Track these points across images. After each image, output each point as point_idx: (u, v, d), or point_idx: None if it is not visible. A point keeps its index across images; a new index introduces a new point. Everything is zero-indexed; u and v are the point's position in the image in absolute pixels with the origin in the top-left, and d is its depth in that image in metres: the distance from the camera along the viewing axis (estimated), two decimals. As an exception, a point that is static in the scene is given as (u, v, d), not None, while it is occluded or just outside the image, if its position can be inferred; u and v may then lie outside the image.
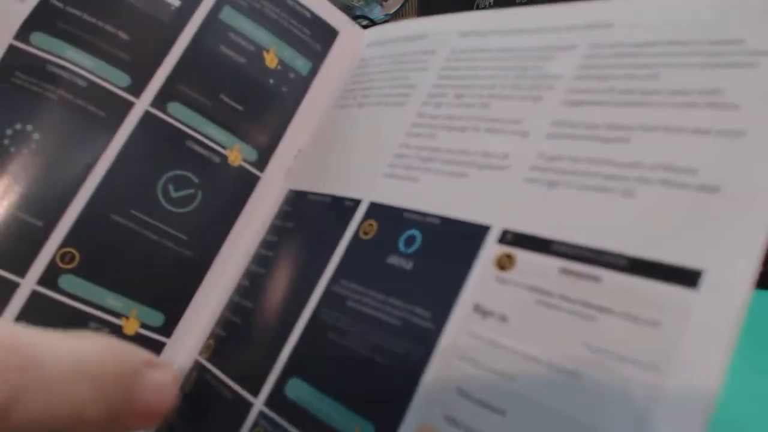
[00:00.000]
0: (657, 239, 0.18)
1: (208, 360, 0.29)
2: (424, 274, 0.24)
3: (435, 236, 0.24)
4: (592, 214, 0.20)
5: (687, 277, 0.17)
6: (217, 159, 0.31)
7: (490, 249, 0.22)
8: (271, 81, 0.33)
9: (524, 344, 0.19)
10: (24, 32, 0.28)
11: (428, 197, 0.25)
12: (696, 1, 0.22)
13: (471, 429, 0.19)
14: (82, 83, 0.29)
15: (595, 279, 0.19)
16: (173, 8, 0.31)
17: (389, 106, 0.30)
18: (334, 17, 0.35)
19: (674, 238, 0.18)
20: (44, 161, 0.28)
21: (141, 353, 0.16)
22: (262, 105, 0.33)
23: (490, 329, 0.20)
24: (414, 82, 0.30)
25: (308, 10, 0.34)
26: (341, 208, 0.29)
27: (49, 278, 0.27)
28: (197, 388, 0.29)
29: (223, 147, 0.31)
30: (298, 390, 0.25)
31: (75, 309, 0.28)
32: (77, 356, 0.14)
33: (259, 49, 0.33)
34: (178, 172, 0.31)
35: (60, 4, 0.29)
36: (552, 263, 0.20)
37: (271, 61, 0.33)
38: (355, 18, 0.59)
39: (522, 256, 0.21)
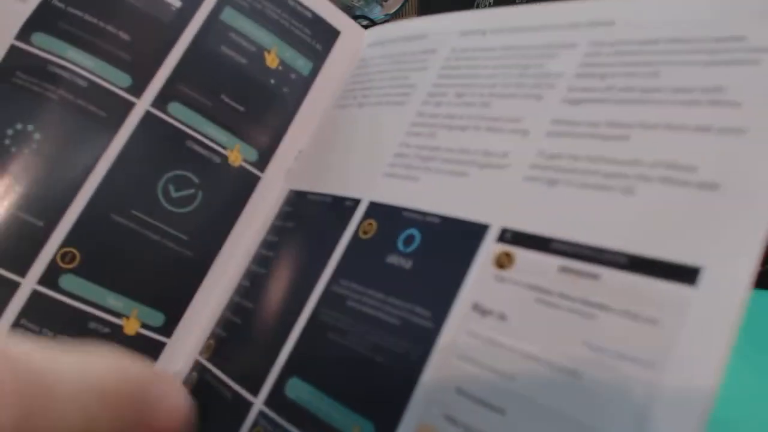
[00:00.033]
0: (657, 237, 0.18)
1: (209, 360, 0.29)
2: (424, 273, 0.24)
3: (434, 235, 0.24)
4: (592, 212, 0.20)
5: (686, 275, 0.17)
6: (217, 159, 0.31)
7: (489, 248, 0.22)
8: (272, 81, 0.33)
9: (523, 343, 0.19)
10: (25, 32, 0.29)
11: (428, 196, 0.25)
12: None
13: (470, 428, 0.19)
14: (82, 83, 0.29)
15: (595, 277, 0.19)
16: (174, 9, 0.31)
17: (389, 105, 0.30)
18: (335, 18, 0.35)
19: (674, 236, 0.18)
20: (45, 161, 0.28)
21: (152, 368, 0.16)
22: (263, 105, 0.33)
23: (490, 328, 0.20)
24: (414, 81, 0.30)
25: (309, 10, 0.34)
26: (341, 207, 0.29)
27: (49, 278, 0.28)
28: (197, 388, 0.29)
29: (224, 147, 0.32)
30: (298, 390, 0.25)
31: (75, 309, 0.28)
32: (88, 373, 0.14)
33: (260, 50, 0.33)
34: (179, 172, 0.31)
35: (61, 5, 0.29)
36: (551, 261, 0.20)
37: (272, 61, 0.33)
38: (355, 18, 0.59)
39: (521, 254, 0.21)
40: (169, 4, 0.31)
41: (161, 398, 0.16)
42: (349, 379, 0.24)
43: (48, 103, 0.28)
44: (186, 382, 0.30)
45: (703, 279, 0.17)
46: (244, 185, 0.32)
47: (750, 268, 0.16)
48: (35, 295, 0.27)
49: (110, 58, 0.29)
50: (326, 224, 0.29)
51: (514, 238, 0.21)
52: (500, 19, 0.28)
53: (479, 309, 0.21)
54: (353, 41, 0.35)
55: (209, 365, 0.29)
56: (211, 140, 0.31)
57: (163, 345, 0.30)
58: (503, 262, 0.21)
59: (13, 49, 0.28)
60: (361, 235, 0.27)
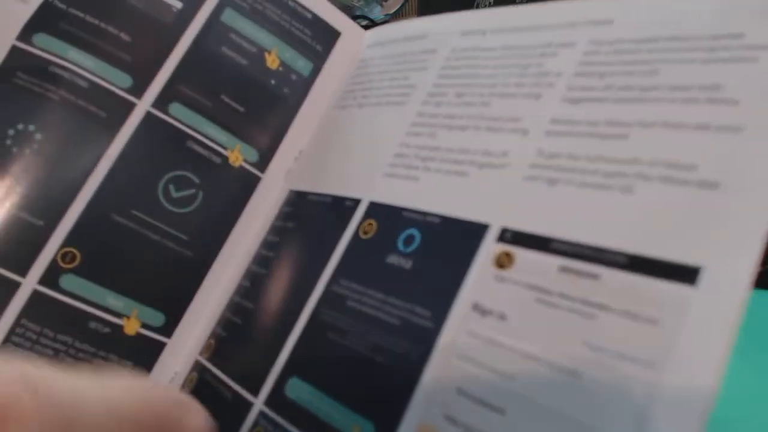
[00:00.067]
0: (656, 236, 0.18)
1: (209, 360, 0.29)
2: (423, 273, 0.23)
3: (434, 235, 0.24)
4: (592, 211, 0.20)
5: (686, 275, 0.17)
6: (218, 159, 0.31)
7: (489, 247, 0.22)
8: (273, 82, 0.33)
9: (523, 343, 0.19)
10: (26, 33, 0.29)
11: (428, 196, 0.25)
12: None
13: (470, 428, 0.19)
14: (83, 84, 0.29)
15: (595, 277, 0.19)
16: (175, 10, 0.31)
17: (390, 105, 0.30)
18: (336, 18, 0.35)
19: (673, 235, 0.18)
20: (46, 161, 0.28)
21: (174, 392, 0.16)
22: (264, 106, 0.33)
23: (490, 328, 0.20)
24: (414, 81, 0.30)
25: (310, 11, 0.34)
26: (341, 207, 0.29)
27: (50, 278, 0.28)
28: (197, 388, 0.29)
29: (224, 148, 0.32)
30: (298, 389, 0.25)
31: (76, 309, 0.28)
32: (109, 397, 0.14)
33: (261, 51, 0.33)
34: (179, 172, 0.31)
35: (62, 6, 0.29)
36: (551, 261, 0.20)
37: (272, 62, 0.33)
38: (354, 18, 0.59)
39: (521, 254, 0.21)
40: (169, 5, 0.31)
41: (183, 421, 0.15)
42: (349, 379, 0.24)
43: (49, 104, 0.28)
44: (186, 382, 0.30)
45: (703, 279, 0.17)
46: (244, 185, 0.32)
47: (750, 267, 0.16)
48: (36, 295, 0.27)
49: (111, 59, 0.30)
50: (326, 224, 0.29)
51: (514, 237, 0.21)
52: (500, 19, 0.28)
53: (479, 309, 0.21)
54: (353, 42, 0.35)
55: (209, 365, 0.29)
56: (212, 141, 0.31)
57: (163, 345, 0.30)
58: (503, 261, 0.21)
59: (14, 49, 0.28)
60: (362, 235, 0.27)
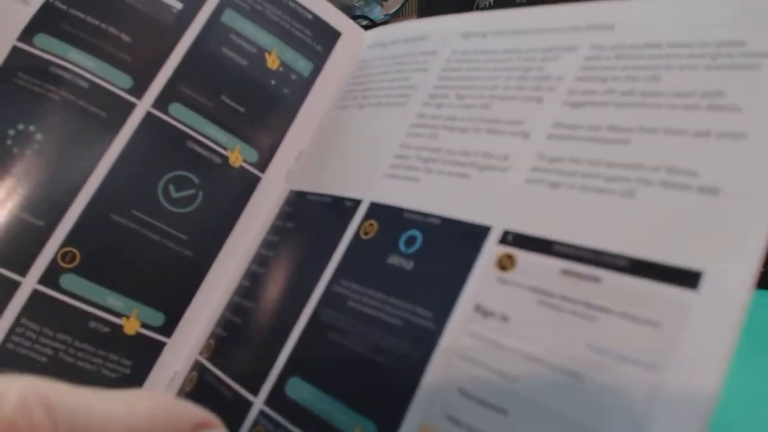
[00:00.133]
0: (657, 240, 0.18)
1: (209, 360, 0.29)
2: (425, 274, 0.24)
3: (436, 236, 0.24)
4: (593, 215, 0.20)
5: (687, 278, 0.17)
6: (218, 160, 0.31)
7: (491, 249, 0.22)
8: (273, 82, 0.33)
9: (525, 344, 0.20)
10: (27, 34, 0.29)
11: (429, 197, 0.25)
12: (698, 3, 0.22)
13: (472, 428, 0.19)
14: (84, 84, 0.29)
15: (596, 280, 0.19)
16: (175, 11, 0.31)
17: (390, 106, 0.30)
18: (336, 19, 0.35)
19: (675, 240, 0.18)
20: (46, 162, 0.28)
21: (195, 412, 0.16)
22: (264, 106, 0.33)
23: (491, 329, 0.20)
24: (414, 83, 0.30)
25: (310, 11, 0.34)
26: (342, 208, 0.29)
27: (50, 277, 0.28)
28: (197, 388, 0.29)
29: (224, 148, 0.32)
30: (299, 389, 0.25)
31: (76, 308, 0.28)
32: (130, 419, 0.14)
33: (261, 51, 0.33)
34: (179, 172, 0.31)
35: (63, 7, 0.29)
36: (553, 264, 0.20)
37: (272, 62, 0.33)
38: (354, 18, 0.59)
39: (523, 256, 0.21)
40: (170, 6, 0.31)
41: None
42: (350, 379, 0.24)
43: (49, 104, 0.28)
44: (186, 381, 0.30)
45: (705, 283, 0.17)
46: (244, 186, 0.32)
47: (751, 272, 0.16)
48: (36, 295, 0.27)
49: (112, 60, 0.29)
50: (327, 224, 0.29)
51: (516, 240, 0.22)
52: (501, 21, 0.28)
53: (481, 310, 0.21)
54: (354, 42, 0.35)
55: (209, 365, 0.29)
56: (212, 141, 0.31)
57: (163, 345, 0.30)
58: (505, 263, 0.21)
59: (15, 50, 0.28)
60: (362, 236, 0.27)
